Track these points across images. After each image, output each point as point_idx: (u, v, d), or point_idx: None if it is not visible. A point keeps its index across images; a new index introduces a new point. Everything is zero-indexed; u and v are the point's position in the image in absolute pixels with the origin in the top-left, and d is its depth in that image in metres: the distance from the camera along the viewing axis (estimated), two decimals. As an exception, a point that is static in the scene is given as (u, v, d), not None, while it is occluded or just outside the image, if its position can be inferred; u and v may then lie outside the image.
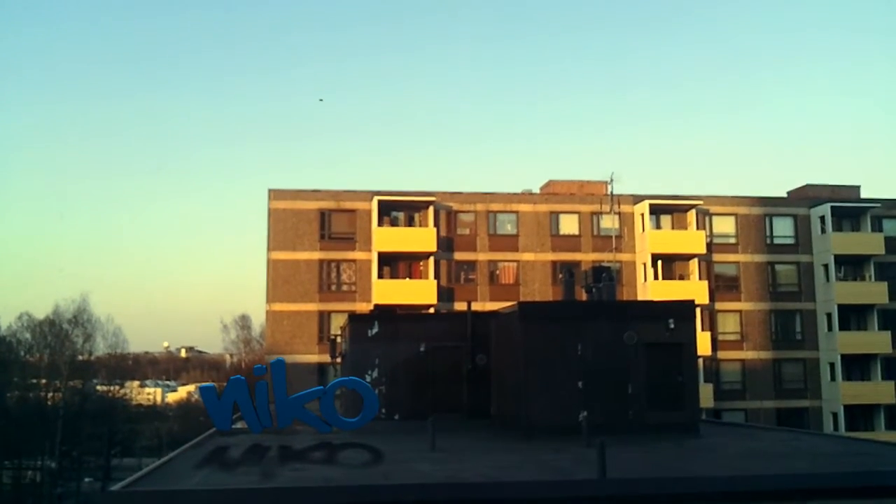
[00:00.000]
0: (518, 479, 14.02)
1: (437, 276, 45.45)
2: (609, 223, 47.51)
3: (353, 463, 16.03)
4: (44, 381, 66.85)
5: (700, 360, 41.87)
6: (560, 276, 43.08)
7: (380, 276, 45.32)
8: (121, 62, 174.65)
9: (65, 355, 66.76)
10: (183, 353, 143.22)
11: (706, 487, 13.33)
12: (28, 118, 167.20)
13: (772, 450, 19.24)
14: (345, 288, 46.01)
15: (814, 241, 49.91)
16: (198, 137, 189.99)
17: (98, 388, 74.19)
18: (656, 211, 48.68)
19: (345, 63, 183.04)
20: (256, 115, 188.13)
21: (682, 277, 48.52)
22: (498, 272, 47.44)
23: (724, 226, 49.77)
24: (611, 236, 47.17)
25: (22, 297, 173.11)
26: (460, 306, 41.20)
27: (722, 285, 49.18)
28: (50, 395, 66.07)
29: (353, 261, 46.00)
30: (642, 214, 48.06)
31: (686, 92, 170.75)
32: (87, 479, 66.27)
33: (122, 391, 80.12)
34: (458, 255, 46.88)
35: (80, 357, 69.51)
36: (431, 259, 45.52)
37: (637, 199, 48.43)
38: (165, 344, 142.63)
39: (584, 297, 28.32)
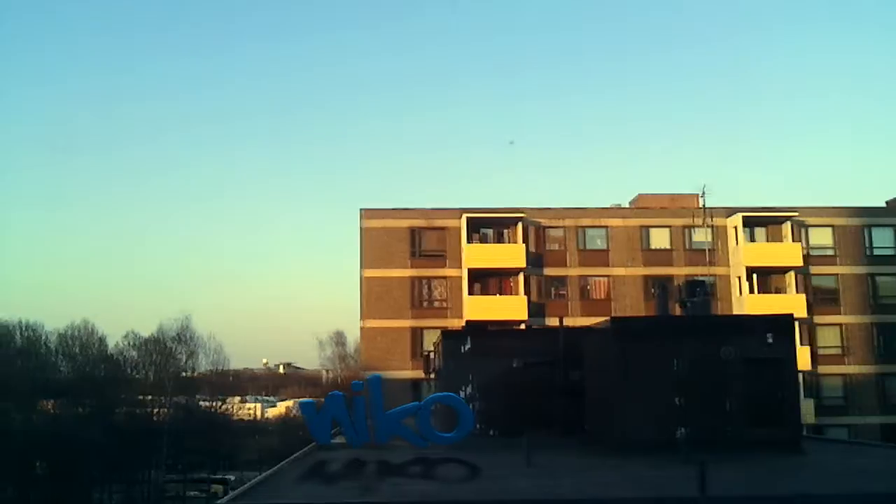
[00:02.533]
0: (617, 496, 14.00)
1: (527, 292, 45.42)
2: (702, 237, 46.66)
3: (450, 478, 16.26)
4: (150, 397, 69.27)
5: (800, 375, 40.65)
6: (653, 290, 42.62)
7: (470, 292, 45.58)
8: (222, 90, 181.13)
9: (169, 372, 69.00)
10: (281, 370, 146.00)
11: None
12: (145, 141, 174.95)
13: (880, 467, 18.67)
14: (436, 304, 46.45)
15: (916, 251, 47.95)
16: (294, 160, 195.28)
17: (201, 403, 76.49)
18: (750, 223, 47.59)
19: (430, 83, 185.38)
20: (349, 137, 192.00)
21: (778, 291, 47.23)
22: (589, 287, 47.10)
23: (821, 237, 48.24)
24: (704, 250, 46.32)
25: (128, 317, 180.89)
26: (552, 322, 41.11)
27: (820, 298, 47.57)
28: (156, 410, 68.50)
29: (444, 277, 46.42)
30: (735, 227, 47.05)
31: (778, 101, 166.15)
32: (192, 493, 68.32)
33: (224, 406, 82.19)
34: (548, 271, 46.79)
35: (184, 374, 71.94)
36: (521, 275, 45.56)
37: (730, 211, 47.45)
38: (265, 360, 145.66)
39: (678, 311, 28.00)
